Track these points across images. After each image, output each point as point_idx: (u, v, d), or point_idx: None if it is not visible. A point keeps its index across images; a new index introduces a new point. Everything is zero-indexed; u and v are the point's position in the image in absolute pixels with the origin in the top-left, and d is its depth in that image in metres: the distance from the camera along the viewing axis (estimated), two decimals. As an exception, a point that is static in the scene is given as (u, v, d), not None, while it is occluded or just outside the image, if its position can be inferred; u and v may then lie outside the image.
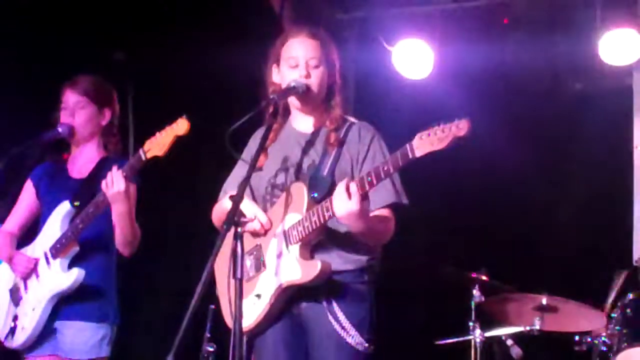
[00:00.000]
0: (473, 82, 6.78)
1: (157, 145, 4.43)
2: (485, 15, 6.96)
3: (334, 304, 3.98)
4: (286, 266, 3.97)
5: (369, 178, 3.76)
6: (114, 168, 4.59)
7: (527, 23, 6.89)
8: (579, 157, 7.01)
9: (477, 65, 6.78)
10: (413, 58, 6.99)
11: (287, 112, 4.25)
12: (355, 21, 7.09)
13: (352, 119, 4.20)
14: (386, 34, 7.01)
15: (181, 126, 4.36)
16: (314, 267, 3.90)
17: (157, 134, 4.44)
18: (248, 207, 4.05)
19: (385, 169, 3.74)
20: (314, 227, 3.89)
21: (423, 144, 3.61)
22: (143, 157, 4.50)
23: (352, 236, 3.98)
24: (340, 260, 4.00)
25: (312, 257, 3.96)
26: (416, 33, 6.96)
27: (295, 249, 3.96)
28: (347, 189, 3.75)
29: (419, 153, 3.63)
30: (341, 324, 3.97)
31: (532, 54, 6.83)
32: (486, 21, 6.93)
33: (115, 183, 4.56)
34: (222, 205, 4.25)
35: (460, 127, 3.56)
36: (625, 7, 6.59)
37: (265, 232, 4.07)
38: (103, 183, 4.59)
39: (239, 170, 4.26)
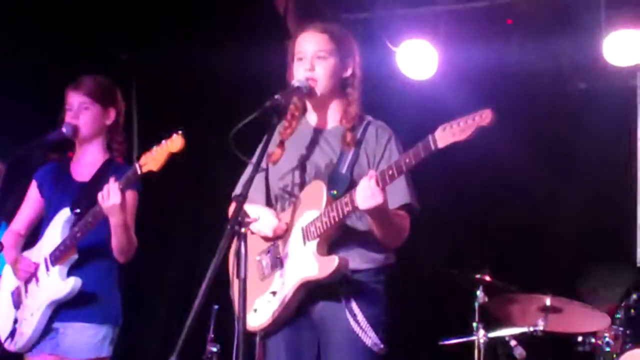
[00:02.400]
0: (477, 83, 6.78)
1: (153, 160, 4.45)
2: (489, 16, 6.95)
3: (353, 303, 3.96)
4: (303, 262, 3.95)
5: (390, 171, 3.75)
6: (111, 180, 4.60)
7: (531, 23, 6.88)
8: (583, 158, 7.01)
9: (481, 66, 6.78)
10: (417, 58, 6.99)
11: (304, 108, 4.23)
12: (359, 22, 7.09)
13: (369, 118, 4.18)
14: (390, 34, 7.01)
15: (175, 143, 4.38)
16: (331, 263, 3.88)
17: (153, 149, 4.45)
18: (260, 212, 4.04)
19: (407, 161, 3.73)
20: (333, 222, 3.88)
21: (445, 135, 3.61)
22: (139, 172, 4.52)
23: (370, 235, 3.97)
24: (358, 259, 3.99)
25: (329, 254, 3.94)
26: (420, 34, 6.96)
27: (312, 245, 3.94)
28: (370, 181, 3.74)
29: (441, 144, 3.62)
30: (359, 324, 3.94)
31: (536, 54, 6.83)
32: (490, 21, 6.92)
33: (111, 196, 4.57)
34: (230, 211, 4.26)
35: (483, 117, 3.57)
36: (629, 8, 6.58)
37: (277, 237, 4.06)
38: (99, 195, 4.60)
39: (245, 174, 4.24)
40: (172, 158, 4.43)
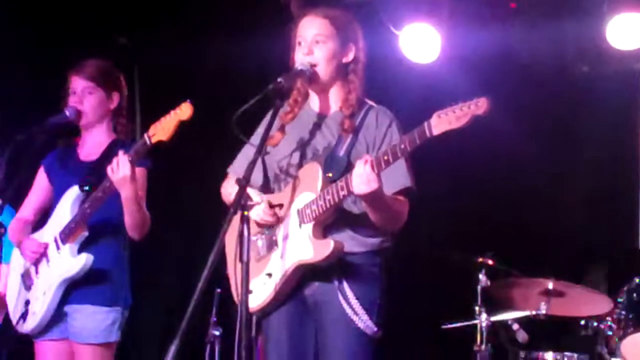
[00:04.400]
0: (480, 66, 6.76)
1: (162, 129, 4.45)
2: (492, -1, 6.94)
3: (345, 284, 3.99)
4: (298, 245, 3.98)
5: (385, 157, 3.77)
6: (120, 153, 4.59)
7: (534, 7, 6.86)
8: (586, 141, 7.00)
9: (484, 49, 6.76)
10: (420, 42, 6.97)
11: (307, 93, 4.24)
12: (362, 5, 7.05)
13: (370, 102, 4.20)
14: (393, 18, 6.98)
15: (185, 110, 4.38)
16: (327, 246, 3.90)
17: (162, 119, 4.46)
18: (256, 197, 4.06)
19: (402, 147, 3.75)
20: (328, 206, 3.90)
21: (441, 122, 3.63)
22: (148, 142, 4.52)
23: (366, 218, 3.98)
24: (353, 242, 4.01)
25: (324, 237, 3.96)
26: (423, 17, 6.93)
27: (308, 228, 3.96)
28: (366, 166, 3.75)
29: (436, 131, 3.64)
30: (351, 306, 3.97)
31: (539, 37, 6.80)
32: (493, 5, 6.91)
33: (120, 168, 4.56)
34: (227, 187, 4.27)
35: (479, 106, 3.59)
36: (633, -9, 6.56)
37: (278, 219, 4.07)
38: (109, 168, 4.59)
39: (244, 155, 4.27)
40: (180, 141, 4.44)
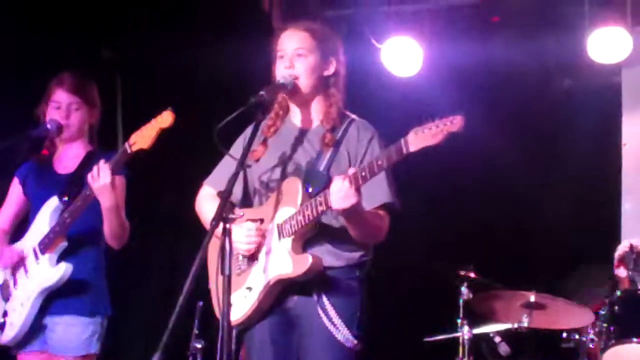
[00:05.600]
0: (462, 80, 6.78)
1: (142, 138, 4.46)
2: (474, 13, 6.96)
3: (324, 299, 4.00)
4: (278, 260, 3.99)
5: (363, 173, 3.78)
6: (101, 161, 4.60)
7: (516, 21, 6.89)
8: (568, 154, 7.02)
9: (466, 63, 6.78)
10: (402, 56, 6.99)
11: (287, 107, 4.25)
12: (343, 19, 7.08)
13: (352, 116, 4.21)
14: (375, 31, 7.00)
15: (165, 118, 4.39)
16: (305, 261, 3.92)
17: (143, 127, 4.46)
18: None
19: (379, 163, 3.77)
20: (307, 221, 3.91)
21: (417, 139, 3.65)
22: (128, 150, 4.53)
23: (345, 233, 3.99)
24: (332, 257, 4.02)
25: (304, 251, 3.97)
26: (405, 31, 6.96)
27: (287, 242, 3.97)
28: (344, 182, 3.76)
29: (412, 148, 3.67)
30: (331, 319, 3.98)
31: (521, 51, 6.83)
32: (475, 19, 6.93)
33: (101, 175, 4.57)
34: (202, 202, 4.27)
35: (454, 123, 3.62)
36: (614, 6, 6.59)
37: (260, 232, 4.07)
38: (89, 176, 4.60)
39: (223, 167, 4.26)
40: (159, 153, 4.43)
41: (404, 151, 3.69)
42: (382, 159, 3.77)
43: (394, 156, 3.73)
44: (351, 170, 3.82)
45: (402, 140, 3.70)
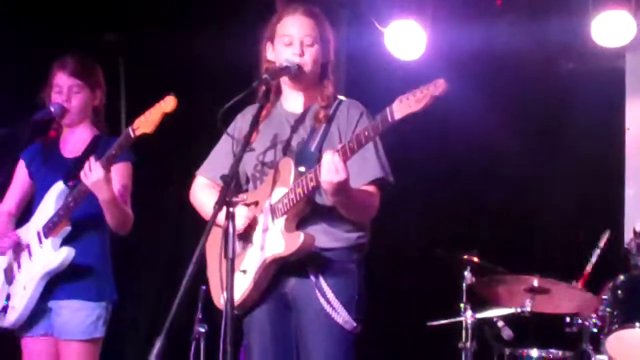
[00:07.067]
0: (465, 63, 6.76)
1: (146, 122, 4.46)
2: (478, -4, 6.95)
3: (322, 280, 4.00)
4: (271, 240, 3.99)
5: (350, 144, 3.78)
6: (91, 158, 4.60)
7: (519, 4, 6.88)
8: (571, 138, 7.01)
9: (470, 47, 6.77)
10: (405, 39, 6.97)
11: (279, 90, 4.24)
12: (347, 2, 7.06)
13: (341, 97, 4.22)
14: (378, 14, 6.98)
15: (169, 103, 4.40)
16: (297, 239, 3.91)
17: (146, 112, 4.46)
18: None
19: (366, 134, 3.77)
20: (299, 198, 3.91)
21: (402, 106, 3.67)
22: (132, 135, 4.52)
23: (340, 213, 3.98)
24: (328, 238, 4.02)
25: (297, 231, 3.97)
26: (409, 14, 6.94)
27: (280, 222, 3.98)
28: (334, 156, 3.76)
29: (398, 116, 3.68)
30: (329, 302, 3.98)
31: (525, 35, 6.81)
32: (479, 2, 6.92)
33: (93, 172, 4.57)
34: (198, 191, 4.28)
35: (437, 86, 3.64)
36: (617, -12, 6.57)
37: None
38: (82, 173, 4.60)
39: (220, 149, 4.26)
40: (163, 137, 4.43)
41: (389, 119, 3.69)
42: (368, 129, 3.77)
43: (380, 125, 3.73)
44: (339, 145, 3.82)
45: (387, 109, 3.70)
